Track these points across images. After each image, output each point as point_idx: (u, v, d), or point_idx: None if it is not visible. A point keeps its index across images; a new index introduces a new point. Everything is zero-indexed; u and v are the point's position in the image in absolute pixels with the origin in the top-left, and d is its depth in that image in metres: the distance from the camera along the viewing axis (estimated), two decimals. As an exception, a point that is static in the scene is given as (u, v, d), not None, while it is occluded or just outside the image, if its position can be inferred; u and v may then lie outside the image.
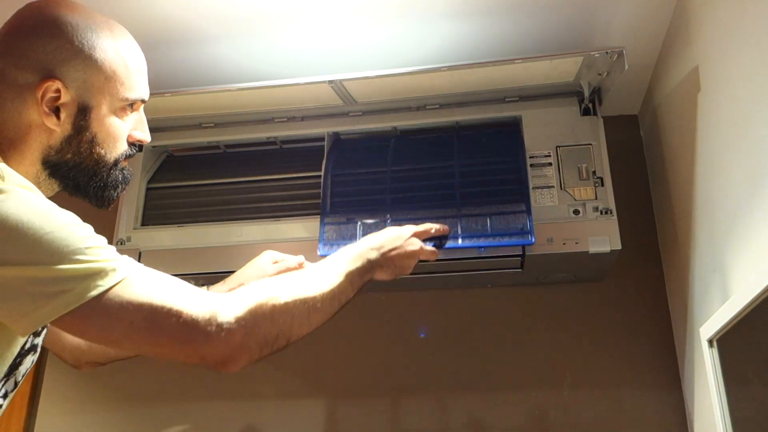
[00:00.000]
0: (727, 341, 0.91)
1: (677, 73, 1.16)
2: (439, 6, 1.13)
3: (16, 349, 0.76)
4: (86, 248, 0.68)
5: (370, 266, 0.97)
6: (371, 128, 1.33)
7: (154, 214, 1.33)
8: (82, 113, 0.78)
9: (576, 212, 1.15)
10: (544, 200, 1.17)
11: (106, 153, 0.81)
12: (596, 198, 1.15)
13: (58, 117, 0.76)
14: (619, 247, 1.12)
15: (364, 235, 1.20)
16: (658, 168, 1.36)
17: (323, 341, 1.43)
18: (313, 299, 0.85)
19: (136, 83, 0.82)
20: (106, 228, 1.25)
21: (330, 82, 1.16)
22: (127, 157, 0.84)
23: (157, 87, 1.34)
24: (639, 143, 1.47)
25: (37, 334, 0.81)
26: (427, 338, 1.40)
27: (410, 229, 1.04)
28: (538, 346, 1.35)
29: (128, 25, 1.17)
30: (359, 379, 1.39)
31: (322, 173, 1.27)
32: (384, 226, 1.19)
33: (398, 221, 1.19)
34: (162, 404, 1.44)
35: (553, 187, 1.17)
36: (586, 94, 1.21)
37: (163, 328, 0.70)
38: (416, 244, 1.03)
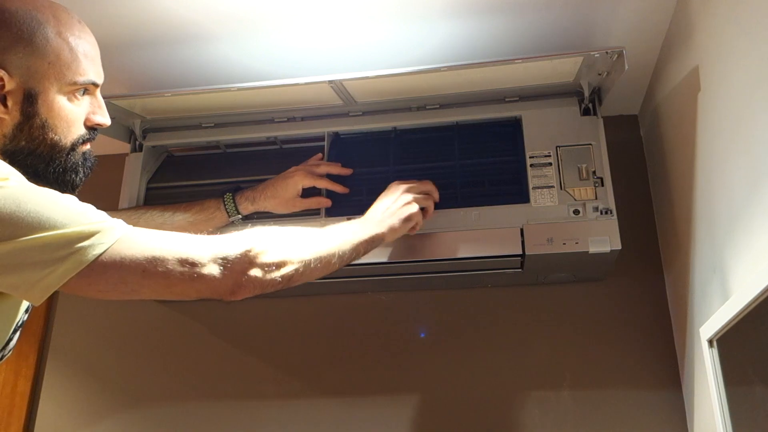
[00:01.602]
0: (727, 341, 0.91)
1: (677, 73, 1.16)
2: (439, 6, 1.13)
3: (13, 326, 0.80)
4: (81, 212, 0.72)
5: (375, 226, 1.04)
6: (371, 128, 1.33)
7: (154, 214, 1.33)
8: (29, 99, 0.79)
9: (576, 212, 1.15)
10: (544, 200, 1.17)
11: (60, 138, 0.82)
12: (596, 198, 1.15)
13: (5, 105, 0.78)
14: (619, 247, 1.12)
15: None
16: (658, 168, 1.36)
17: (323, 341, 1.43)
18: (317, 244, 0.92)
19: (84, 67, 0.83)
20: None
21: (330, 82, 1.16)
22: (86, 140, 0.86)
23: (157, 87, 1.36)
24: (639, 143, 1.47)
25: (27, 311, 0.84)
26: (427, 338, 1.40)
27: (400, 186, 1.12)
28: (538, 346, 1.35)
29: (128, 25, 1.18)
30: (358, 379, 1.39)
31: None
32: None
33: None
34: (162, 404, 1.44)
35: (553, 187, 1.17)
36: (586, 94, 1.21)
37: (173, 270, 0.76)
38: (409, 196, 1.11)
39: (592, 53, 1.08)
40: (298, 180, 1.21)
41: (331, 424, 1.37)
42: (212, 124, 1.37)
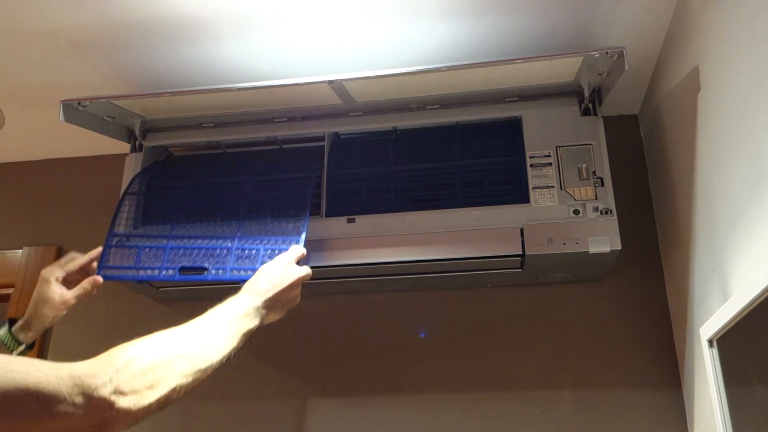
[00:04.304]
0: (727, 341, 0.91)
1: (677, 73, 1.16)
2: (439, 5, 1.13)
3: None
4: None
5: (256, 314, 0.95)
6: (371, 128, 1.33)
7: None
8: None
9: (576, 212, 1.15)
10: (544, 200, 1.17)
11: None
12: (596, 198, 1.15)
13: None
14: (619, 247, 1.12)
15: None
16: (658, 168, 1.36)
17: (323, 341, 1.43)
18: (196, 356, 0.82)
19: None
20: (105, 228, 1.25)
21: (330, 82, 1.16)
22: None
23: (157, 87, 1.36)
24: (639, 143, 1.47)
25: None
26: (427, 338, 1.40)
27: (284, 260, 1.03)
28: (538, 346, 1.35)
29: (128, 25, 1.18)
30: (358, 379, 1.39)
31: (324, 173, 1.27)
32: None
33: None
34: (162, 404, 1.44)
35: (553, 187, 1.17)
36: (586, 94, 1.21)
37: (19, 411, 0.63)
38: (294, 273, 1.01)
39: (592, 53, 1.08)
40: (46, 279, 1.08)
41: (331, 424, 1.37)
42: (212, 124, 1.37)
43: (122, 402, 0.69)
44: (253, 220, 1.20)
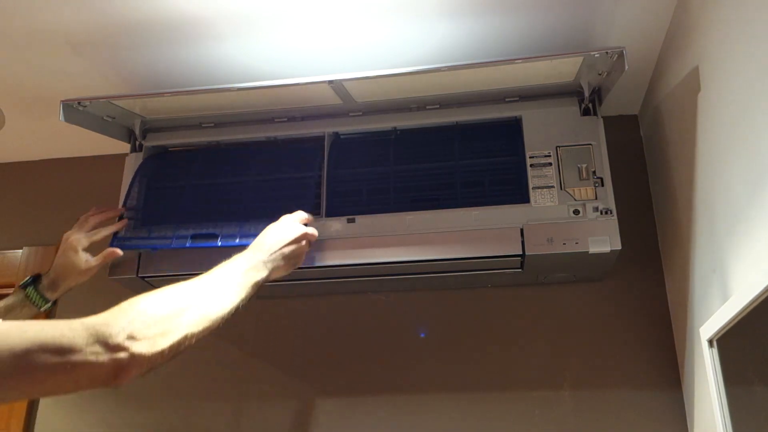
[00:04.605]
0: (727, 341, 0.91)
1: (677, 73, 1.16)
2: (439, 5, 1.13)
3: None
4: None
5: (263, 267, 0.99)
6: (371, 128, 1.33)
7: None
8: None
9: (576, 212, 1.15)
10: (544, 200, 1.17)
11: None
12: (596, 198, 1.15)
13: None
14: (619, 247, 1.12)
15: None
16: (658, 168, 1.36)
17: (323, 341, 1.43)
18: (205, 306, 0.85)
19: None
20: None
21: (330, 82, 1.16)
22: None
23: (157, 87, 1.36)
24: (639, 143, 1.47)
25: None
26: (426, 338, 1.40)
27: (288, 219, 1.10)
28: (538, 346, 1.35)
29: (128, 25, 1.18)
30: (358, 379, 1.39)
31: (324, 173, 1.27)
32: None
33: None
34: (163, 405, 1.44)
35: (553, 187, 1.17)
36: (586, 94, 1.21)
37: (38, 365, 0.65)
38: (298, 229, 1.07)
39: (592, 53, 1.08)
40: (73, 247, 1.15)
41: (331, 424, 1.37)
42: (212, 124, 1.37)
43: (137, 347, 0.72)
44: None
